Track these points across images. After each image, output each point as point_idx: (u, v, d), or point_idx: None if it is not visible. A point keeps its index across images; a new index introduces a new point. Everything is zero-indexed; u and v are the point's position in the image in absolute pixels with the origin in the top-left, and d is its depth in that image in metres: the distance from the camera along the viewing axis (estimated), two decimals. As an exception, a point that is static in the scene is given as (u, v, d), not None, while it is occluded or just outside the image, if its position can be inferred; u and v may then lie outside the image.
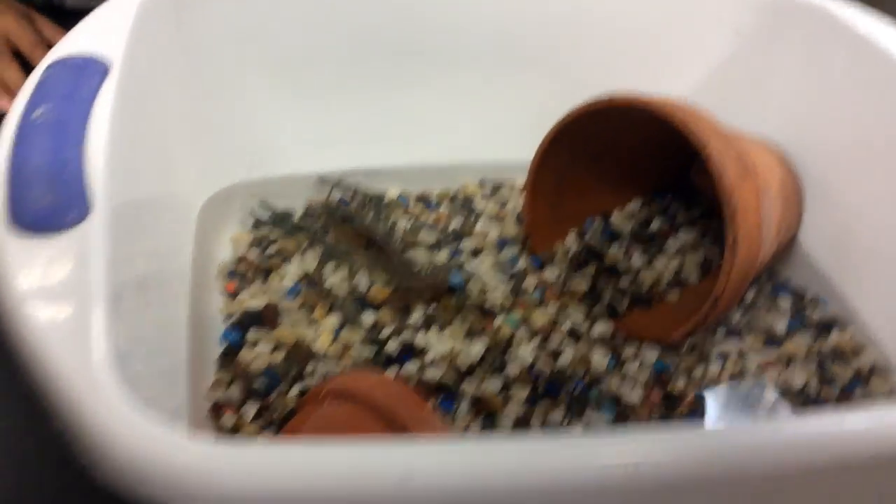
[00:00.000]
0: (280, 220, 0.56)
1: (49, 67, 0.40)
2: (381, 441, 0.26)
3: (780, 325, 0.53)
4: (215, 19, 0.52)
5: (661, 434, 0.27)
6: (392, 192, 0.61)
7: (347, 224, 0.55)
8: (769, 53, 0.59)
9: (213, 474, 0.24)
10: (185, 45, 0.51)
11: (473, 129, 0.62)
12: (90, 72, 0.40)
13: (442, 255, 0.56)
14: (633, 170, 0.60)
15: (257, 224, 0.57)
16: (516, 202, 0.61)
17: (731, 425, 0.44)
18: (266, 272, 0.53)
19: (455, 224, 0.59)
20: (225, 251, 0.55)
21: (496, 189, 0.63)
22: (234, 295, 0.52)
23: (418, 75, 0.59)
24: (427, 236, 0.57)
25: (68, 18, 0.82)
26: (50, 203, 0.32)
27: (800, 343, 0.51)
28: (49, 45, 0.71)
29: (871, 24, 0.55)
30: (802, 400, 0.48)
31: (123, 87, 0.41)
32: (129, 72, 0.42)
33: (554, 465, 0.25)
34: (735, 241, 0.45)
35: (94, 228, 0.32)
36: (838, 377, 0.49)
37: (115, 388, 0.26)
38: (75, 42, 0.43)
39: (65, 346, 0.27)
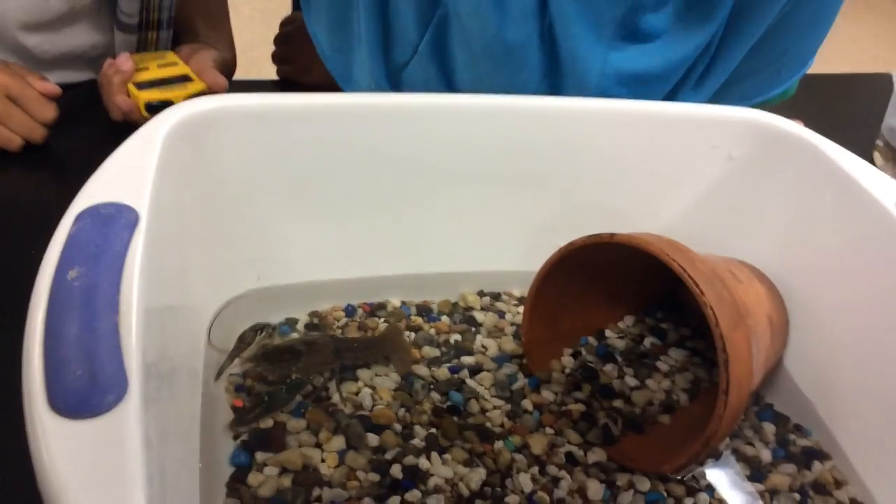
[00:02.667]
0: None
1: (79, 218, 0.42)
2: None
3: (765, 454, 0.55)
4: (231, 145, 0.54)
5: None
6: (394, 302, 0.63)
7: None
8: (761, 182, 0.62)
9: None
10: (202, 172, 0.53)
11: (474, 242, 0.64)
12: (121, 225, 0.41)
13: (442, 371, 0.58)
14: (626, 289, 0.63)
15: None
16: (514, 314, 0.64)
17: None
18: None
19: (455, 337, 0.61)
20: (233, 364, 0.56)
21: (495, 299, 0.65)
22: (241, 410, 0.54)
23: (422, 192, 0.61)
24: (430, 351, 0.59)
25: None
26: (87, 385, 0.34)
27: (784, 474, 0.54)
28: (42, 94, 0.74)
29: (855, 163, 0.58)
30: (786, 534, 0.51)
31: (151, 233, 0.42)
32: (155, 215, 0.44)
33: None
34: (727, 388, 0.48)
35: (132, 409, 0.33)
36: (820, 511, 0.52)
37: None
38: (104, 184, 0.44)
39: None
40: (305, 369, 0.54)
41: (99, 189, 0.44)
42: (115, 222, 0.42)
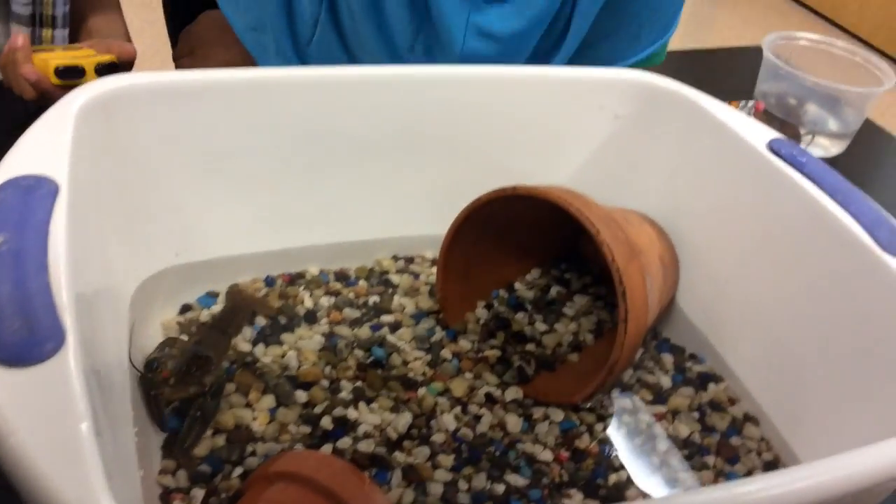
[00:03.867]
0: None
1: (1, 189, 0.43)
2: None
3: (665, 381, 0.60)
4: (143, 120, 0.55)
5: None
6: (312, 270, 0.65)
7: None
8: (645, 137, 0.68)
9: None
10: (116, 147, 0.54)
11: (385, 208, 0.67)
12: (41, 194, 0.43)
13: (364, 331, 0.60)
14: (531, 243, 0.67)
15: (184, 309, 0.60)
16: (428, 275, 0.67)
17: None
18: (199, 356, 0.57)
19: (374, 299, 0.64)
20: (156, 337, 0.57)
21: (409, 262, 0.68)
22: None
23: (331, 162, 0.64)
24: (351, 313, 0.62)
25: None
26: (25, 336, 0.35)
27: (683, 396, 0.59)
28: None
29: (729, 113, 0.64)
30: (689, 448, 0.55)
31: (72, 204, 0.43)
32: (74, 187, 0.45)
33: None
34: (626, 317, 0.52)
35: (72, 355, 0.35)
36: (717, 426, 0.57)
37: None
38: (22, 159, 0.45)
39: (64, 476, 0.30)
40: (216, 370, 0.54)
41: (17, 163, 0.45)
42: (35, 192, 0.43)
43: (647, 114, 0.67)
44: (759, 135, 0.61)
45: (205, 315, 0.60)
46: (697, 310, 0.65)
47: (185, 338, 0.57)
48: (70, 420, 0.33)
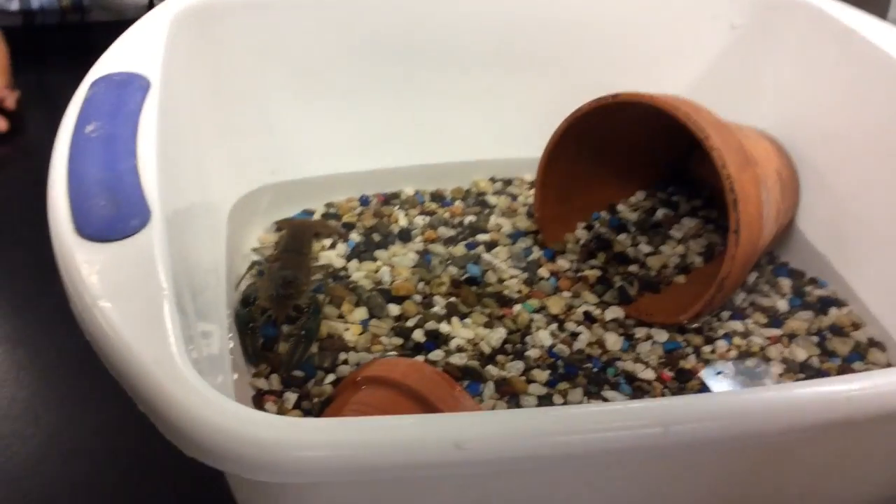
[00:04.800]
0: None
1: (94, 84, 0.43)
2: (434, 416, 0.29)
3: (782, 304, 0.56)
4: (236, 33, 0.55)
5: (683, 400, 0.30)
6: (408, 191, 0.64)
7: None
8: (763, 48, 0.63)
9: (285, 444, 0.27)
10: (212, 58, 0.54)
11: (483, 129, 0.65)
12: (133, 88, 0.43)
13: (459, 249, 0.59)
14: (636, 163, 0.63)
15: (280, 227, 0.60)
16: (526, 197, 0.64)
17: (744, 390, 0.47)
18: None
19: (470, 219, 0.62)
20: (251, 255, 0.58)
21: (507, 184, 0.66)
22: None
23: (429, 79, 0.62)
24: (446, 231, 0.60)
25: (89, 32, 0.85)
26: (113, 213, 0.35)
27: (801, 320, 0.54)
28: None
29: (857, 18, 0.58)
30: (807, 372, 0.51)
31: (163, 102, 0.43)
32: (166, 86, 0.45)
33: (589, 428, 0.29)
34: (738, 227, 0.48)
35: (156, 233, 0.35)
36: (838, 351, 0.53)
37: (193, 374, 0.29)
38: (116, 58, 0.46)
39: (142, 339, 0.30)
40: (306, 288, 0.53)
41: (110, 61, 0.45)
42: (128, 86, 0.43)
43: (765, 22, 0.62)
44: (893, 37, 0.55)
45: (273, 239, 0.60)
46: (819, 232, 0.60)
47: (264, 261, 0.57)
48: (151, 290, 0.33)
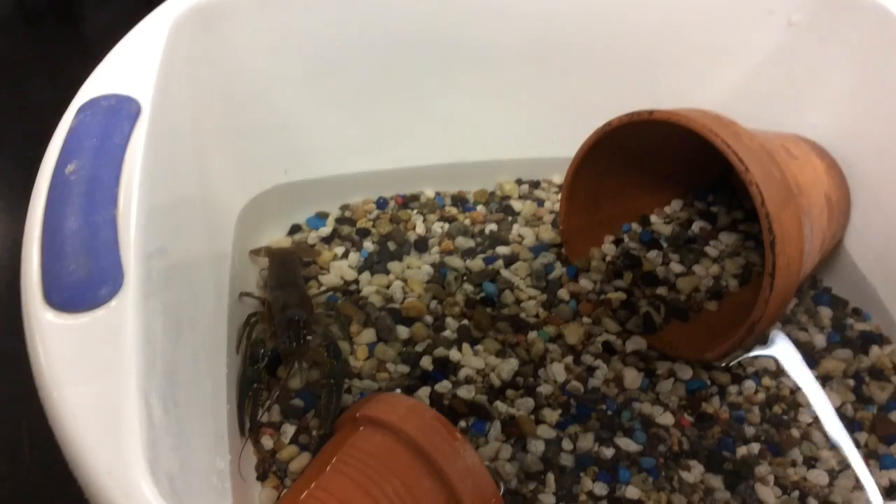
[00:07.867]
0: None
1: (80, 111, 0.41)
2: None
3: (820, 340, 0.52)
4: (243, 33, 0.52)
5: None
6: (428, 192, 0.61)
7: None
8: (821, 49, 0.57)
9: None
10: (217, 60, 0.51)
11: (510, 127, 0.61)
12: (121, 116, 0.40)
13: (476, 263, 0.56)
14: (672, 171, 0.59)
15: (294, 230, 0.58)
16: (553, 202, 0.61)
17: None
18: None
19: (491, 227, 0.59)
20: (262, 259, 0.56)
21: (534, 187, 0.62)
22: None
23: (449, 74, 0.58)
24: (464, 242, 0.57)
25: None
26: (83, 277, 0.33)
27: (838, 360, 0.51)
28: None
29: (931, 20, 0.52)
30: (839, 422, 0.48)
31: (155, 123, 0.41)
32: (162, 102, 0.42)
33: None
34: (773, 271, 0.44)
35: (128, 303, 0.33)
36: (875, 398, 0.49)
37: (152, 490, 0.27)
38: (108, 76, 0.43)
39: (98, 441, 0.28)
40: (314, 321, 0.49)
41: (101, 80, 0.43)
42: (115, 114, 0.41)
43: (826, 22, 0.56)
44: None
45: (312, 237, 0.57)
46: (868, 257, 0.55)
47: (260, 295, 0.53)
48: (114, 378, 0.31)
